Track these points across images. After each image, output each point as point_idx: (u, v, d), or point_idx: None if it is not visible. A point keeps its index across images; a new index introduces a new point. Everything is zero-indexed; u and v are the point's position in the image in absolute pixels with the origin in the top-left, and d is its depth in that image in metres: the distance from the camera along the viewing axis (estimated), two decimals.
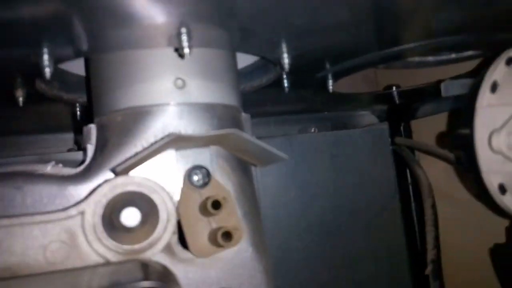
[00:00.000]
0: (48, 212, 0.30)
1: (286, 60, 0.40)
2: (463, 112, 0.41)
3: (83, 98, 0.51)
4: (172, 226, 0.33)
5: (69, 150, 0.65)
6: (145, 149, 0.34)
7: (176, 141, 0.33)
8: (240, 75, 0.47)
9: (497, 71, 0.39)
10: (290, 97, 0.63)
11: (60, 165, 0.40)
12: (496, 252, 0.52)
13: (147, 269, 0.28)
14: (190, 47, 0.31)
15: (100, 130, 0.40)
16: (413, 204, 0.75)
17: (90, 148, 0.40)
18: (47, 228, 0.30)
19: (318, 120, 0.79)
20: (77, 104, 0.54)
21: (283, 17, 0.31)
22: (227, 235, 0.35)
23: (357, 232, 0.63)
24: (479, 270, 0.59)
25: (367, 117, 0.82)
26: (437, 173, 0.69)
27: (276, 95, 0.61)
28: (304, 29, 0.34)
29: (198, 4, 0.27)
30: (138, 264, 0.29)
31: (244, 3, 0.28)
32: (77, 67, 0.48)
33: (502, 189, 0.39)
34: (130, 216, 0.30)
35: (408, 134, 0.80)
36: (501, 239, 0.53)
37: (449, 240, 0.61)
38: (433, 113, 0.76)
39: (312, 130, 0.78)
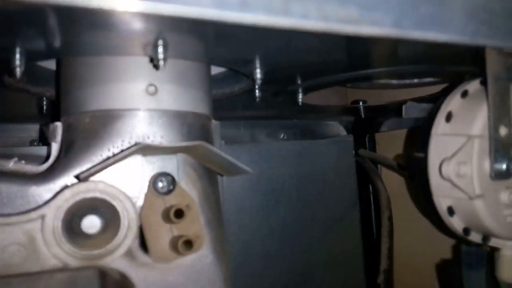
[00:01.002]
0: (8, 215, 0.30)
1: (258, 75, 0.41)
2: (420, 137, 0.44)
3: (50, 92, 0.50)
4: (132, 234, 0.33)
5: (32, 142, 0.64)
6: (110, 157, 0.34)
7: (144, 150, 0.34)
8: (212, 82, 0.48)
9: (453, 102, 0.41)
10: (261, 104, 0.64)
11: (23, 162, 0.39)
12: (442, 268, 0.55)
13: (105, 278, 0.28)
14: (164, 59, 0.32)
15: (67, 130, 0.39)
16: (373, 214, 0.78)
17: (55, 147, 0.39)
18: (6, 230, 0.30)
19: (287, 127, 0.81)
20: (44, 98, 0.54)
21: (258, 40, 0.32)
22: (188, 243, 0.35)
23: (317, 240, 0.65)
24: (430, 280, 0.62)
25: (334, 127, 0.85)
26: (396, 185, 0.73)
27: (246, 101, 0.62)
28: (278, 50, 0.36)
29: (177, 21, 0.28)
30: (96, 272, 0.29)
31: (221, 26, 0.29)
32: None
33: (451, 211, 0.42)
34: (91, 224, 0.30)
35: (372, 145, 0.83)
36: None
37: (403, 250, 0.65)
38: (396, 128, 0.79)
39: (281, 136, 0.80)
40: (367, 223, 0.75)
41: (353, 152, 0.73)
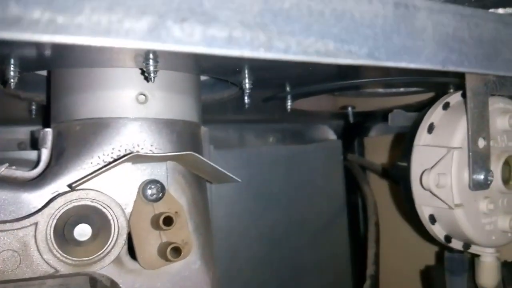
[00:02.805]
0: (2, 222, 0.31)
1: (247, 85, 0.42)
2: (403, 146, 0.45)
3: (40, 97, 0.50)
4: (122, 241, 0.34)
5: (19, 145, 0.64)
6: (102, 167, 0.35)
7: (135, 158, 0.35)
8: (202, 87, 0.49)
9: (435, 114, 0.43)
10: (250, 108, 0.65)
11: (13, 167, 0.40)
12: (426, 273, 0.57)
13: (95, 284, 0.29)
14: (155, 71, 0.32)
15: (57, 137, 0.40)
16: (361, 218, 0.79)
17: (45, 152, 0.40)
18: (0, 236, 0.31)
19: (276, 130, 0.82)
20: (33, 102, 0.54)
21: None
22: (176, 250, 0.36)
23: (305, 244, 0.66)
24: (414, 286, 0.63)
25: (324, 130, 0.86)
26: (383, 191, 0.74)
27: (236, 105, 0.63)
28: (266, 64, 0.36)
29: None
30: (87, 278, 0.30)
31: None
32: None
33: (432, 219, 0.44)
34: (82, 232, 0.31)
35: (361, 149, 0.85)
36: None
37: (389, 255, 0.66)
38: (384, 133, 0.81)
39: (270, 140, 0.81)
40: (354, 227, 0.77)
41: (342, 156, 0.75)
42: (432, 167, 0.38)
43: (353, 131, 0.84)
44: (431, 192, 0.38)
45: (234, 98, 0.56)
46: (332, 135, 0.86)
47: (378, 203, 0.69)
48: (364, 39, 0.25)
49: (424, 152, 0.41)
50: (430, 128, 0.42)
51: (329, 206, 0.70)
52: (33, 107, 0.54)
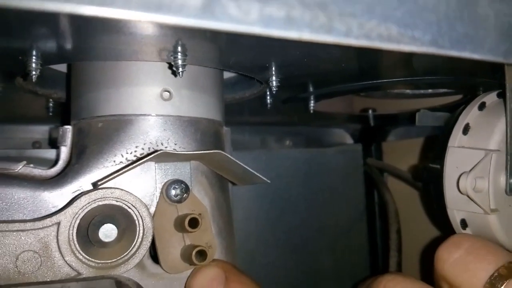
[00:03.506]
0: (23, 221, 0.30)
1: (274, 82, 0.40)
2: (435, 147, 0.44)
3: (57, 94, 0.49)
4: (147, 243, 0.33)
5: (34, 144, 0.63)
6: (126, 165, 0.33)
7: (159, 156, 0.33)
8: (224, 86, 0.47)
9: (470, 114, 0.41)
10: (269, 110, 0.64)
11: (31, 165, 0.39)
12: None
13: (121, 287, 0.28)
14: (183, 65, 0.31)
15: (78, 134, 0.39)
16: (377, 224, 0.77)
17: (64, 150, 0.39)
18: (21, 236, 0.29)
19: (293, 133, 0.80)
20: (50, 100, 0.53)
21: (280, 49, 0.32)
22: (202, 254, 0.35)
23: (323, 250, 0.64)
24: None
25: (341, 134, 0.85)
26: (401, 196, 0.72)
27: (253, 107, 0.61)
28: (297, 58, 0.35)
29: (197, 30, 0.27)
30: (113, 282, 0.28)
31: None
32: None
33: (464, 223, 0.42)
34: (107, 232, 0.30)
35: (379, 154, 0.83)
36: None
37: (408, 262, 0.64)
38: (404, 137, 0.79)
39: (287, 143, 0.80)
40: (371, 233, 0.75)
41: (362, 161, 0.73)
42: (470, 170, 0.36)
43: (371, 135, 0.82)
44: (468, 196, 0.37)
45: (251, 100, 0.54)
46: (348, 139, 0.85)
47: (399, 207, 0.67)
48: (428, 25, 0.23)
49: (459, 154, 0.39)
50: (466, 129, 0.40)
51: (348, 212, 0.68)
52: (50, 104, 0.53)
